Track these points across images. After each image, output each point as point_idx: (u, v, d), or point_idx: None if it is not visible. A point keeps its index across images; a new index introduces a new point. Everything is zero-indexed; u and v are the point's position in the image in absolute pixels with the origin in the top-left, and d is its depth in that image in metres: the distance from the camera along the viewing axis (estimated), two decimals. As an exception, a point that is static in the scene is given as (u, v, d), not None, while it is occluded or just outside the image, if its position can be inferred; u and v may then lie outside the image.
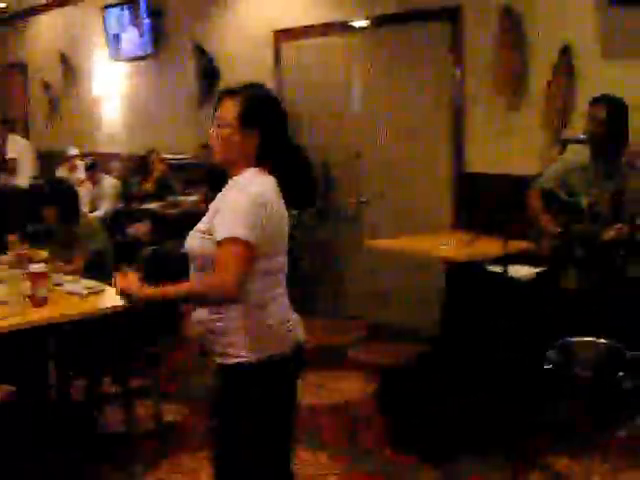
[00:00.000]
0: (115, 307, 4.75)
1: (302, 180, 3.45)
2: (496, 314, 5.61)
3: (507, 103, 6.89)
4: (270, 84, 8.98)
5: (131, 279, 3.26)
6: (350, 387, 6.42)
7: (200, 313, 3.25)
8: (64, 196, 6.19)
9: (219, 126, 3.28)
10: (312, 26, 8.68)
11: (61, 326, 4.81)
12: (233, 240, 3.05)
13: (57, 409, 5.39)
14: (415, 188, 7.73)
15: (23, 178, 12.18)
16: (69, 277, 5.46)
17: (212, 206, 3.27)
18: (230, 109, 3.26)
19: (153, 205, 9.44)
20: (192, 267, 3.30)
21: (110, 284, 5.32)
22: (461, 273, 6.21)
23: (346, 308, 8.59)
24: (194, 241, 3.26)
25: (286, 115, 3.38)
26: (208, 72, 9.99)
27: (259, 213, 3.11)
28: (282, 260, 3.32)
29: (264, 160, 3.29)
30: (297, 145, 3.63)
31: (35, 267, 4.75)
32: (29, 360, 5.09)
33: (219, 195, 3.29)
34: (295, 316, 3.41)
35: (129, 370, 5.40)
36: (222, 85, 9.72)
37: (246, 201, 3.11)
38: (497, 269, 5.58)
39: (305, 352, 3.43)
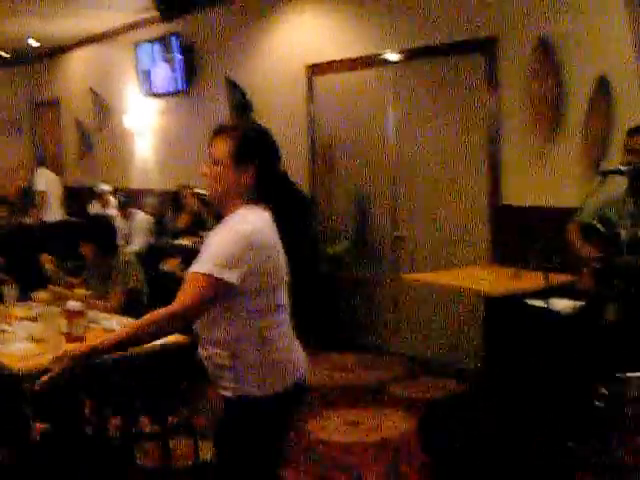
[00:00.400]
0: (151, 345, 4.71)
1: (297, 212, 3.49)
2: (538, 348, 5.52)
3: (544, 134, 6.81)
4: (303, 117, 9.03)
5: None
6: (389, 424, 6.32)
7: (207, 349, 3.29)
8: (102, 232, 6.18)
9: (212, 164, 3.32)
10: (344, 60, 8.68)
11: (96, 364, 4.76)
12: (197, 274, 3.11)
13: (93, 447, 5.34)
14: (451, 220, 7.66)
15: (52, 213, 12.25)
16: (105, 314, 5.43)
17: (205, 243, 3.32)
18: (222, 147, 3.30)
19: (186, 240, 9.41)
20: None
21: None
22: (501, 307, 6.13)
23: (384, 343, 8.50)
24: None
25: (278, 149, 3.40)
26: (241, 106, 10.00)
27: (244, 251, 3.12)
28: (282, 295, 3.34)
29: (258, 195, 3.31)
30: (289, 178, 3.65)
31: (72, 305, 4.73)
32: (65, 397, 5.05)
33: (212, 232, 3.33)
34: (300, 352, 3.46)
35: (165, 407, 5.35)
36: (255, 119, 9.73)
37: (230, 239, 3.15)
38: (538, 303, 5.50)
39: (308, 389, 3.49)
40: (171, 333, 3.25)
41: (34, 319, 5.23)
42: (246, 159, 3.26)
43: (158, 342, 4.84)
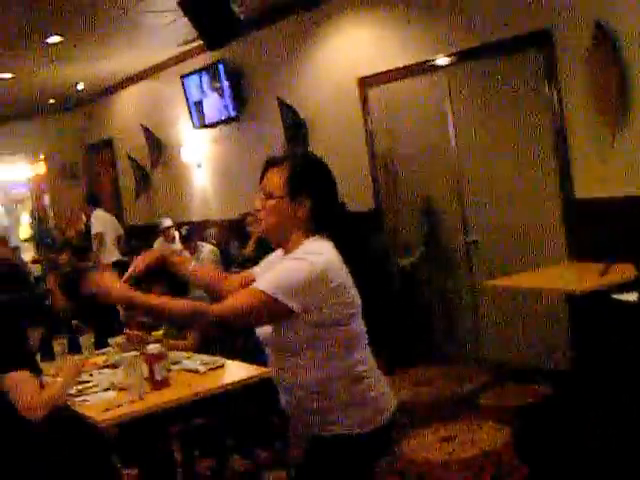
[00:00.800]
0: (236, 382, 4.65)
1: (354, 240, 3.39)
2: (630, 345, 5.32)
3: (610, 122, 6.57)
4: (360, 131, 8.93)
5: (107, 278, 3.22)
6: (484, 436, 6.10)
7: (294, 394, 3.20)
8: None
9: (265, 197, 3.21)
10: (396, 69, 8.53)
11: (183, 406, 4.67)
12: (258, 291, 3.01)
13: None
14: (524, 220, 7.43)
15: (109, 254, 12.28)
16: (186, 354, 5.34)
17: (269, 266, 3.31)
18: (275, 180, 3.19)
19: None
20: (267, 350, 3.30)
21: (224, 356, 5.21)
22: (588, 305, 5.92)
23: (466, 352, 8.31)
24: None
25: (333, 177, 3.29)
26: (295, 126, 9.90)
27: (311, 282, 3.02)
28: (361, 324, 3.24)
29: (317, 226, 3.21)
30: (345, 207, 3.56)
31: (151, 348, 4.63)
32: (153, 442, 4.96)
33: (269, 265, 3.32)
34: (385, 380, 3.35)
35: (256, 442, 5.25)
36: (311, 138, 9.64)
37: (299, 268, 3.04)
38: (627, 297, 5.30)
39: (397, 419, 3.36)
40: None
41: (114, 367, 5.15)
42: (301, 190, 3.16)
43: (240, 378, 4.79)
